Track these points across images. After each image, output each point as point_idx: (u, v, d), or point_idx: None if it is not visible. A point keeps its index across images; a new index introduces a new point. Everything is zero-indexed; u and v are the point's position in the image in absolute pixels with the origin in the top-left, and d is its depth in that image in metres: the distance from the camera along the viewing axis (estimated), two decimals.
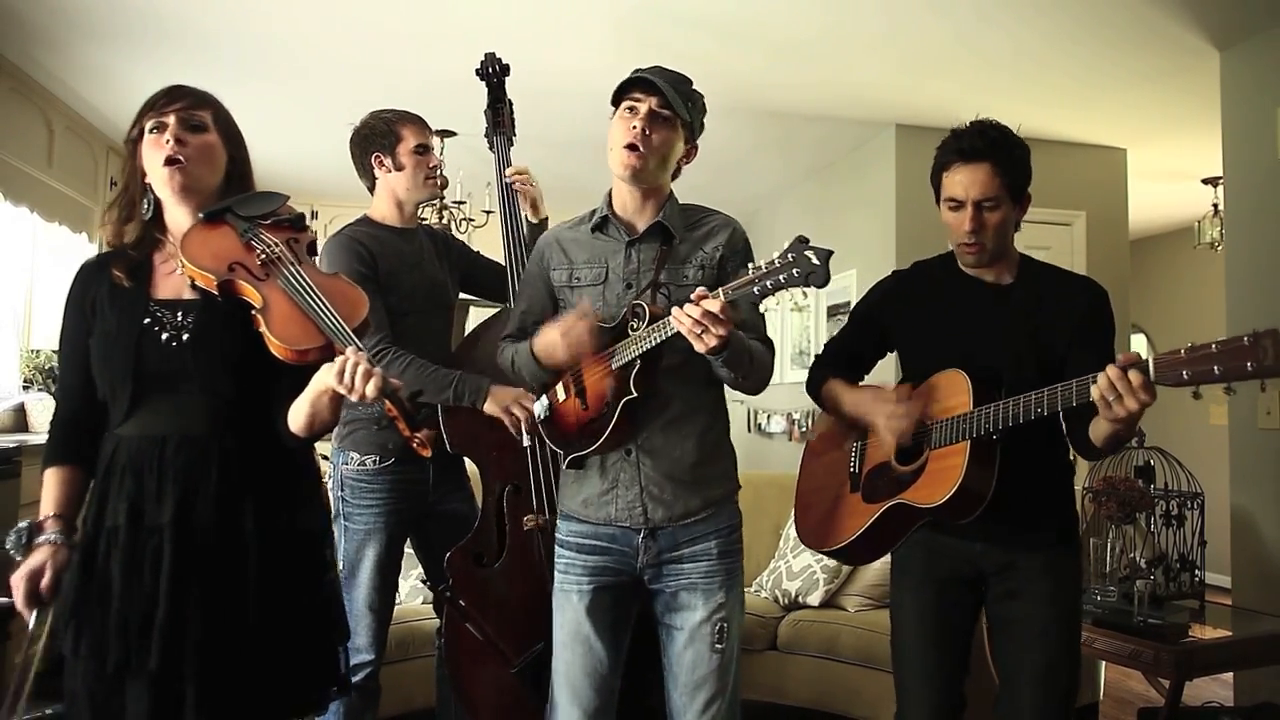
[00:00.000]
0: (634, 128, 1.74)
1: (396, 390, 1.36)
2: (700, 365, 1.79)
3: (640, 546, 1.77)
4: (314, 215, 5.84)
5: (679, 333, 1.61)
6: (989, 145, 1.80)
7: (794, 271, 1.51)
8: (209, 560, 1.44)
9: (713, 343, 1.56)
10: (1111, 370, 1.50)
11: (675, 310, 1.58)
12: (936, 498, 1.74)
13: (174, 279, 1.53)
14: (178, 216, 1.57)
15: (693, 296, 1.57)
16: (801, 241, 1.52)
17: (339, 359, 1.36)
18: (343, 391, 1.36)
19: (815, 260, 1.50)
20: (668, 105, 1.75)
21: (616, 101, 1.80)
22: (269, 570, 1.48)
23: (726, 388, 1.86)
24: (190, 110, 1.54)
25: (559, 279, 1.86)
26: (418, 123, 2.38)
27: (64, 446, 1.57)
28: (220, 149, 1.58)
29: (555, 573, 1.85)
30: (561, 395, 1.82)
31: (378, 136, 2.35)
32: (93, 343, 1.53)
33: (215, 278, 1.44)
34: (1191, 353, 1.43)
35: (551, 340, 1.74)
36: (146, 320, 1.51)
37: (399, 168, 2.34)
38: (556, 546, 1.86)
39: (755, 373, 1.77)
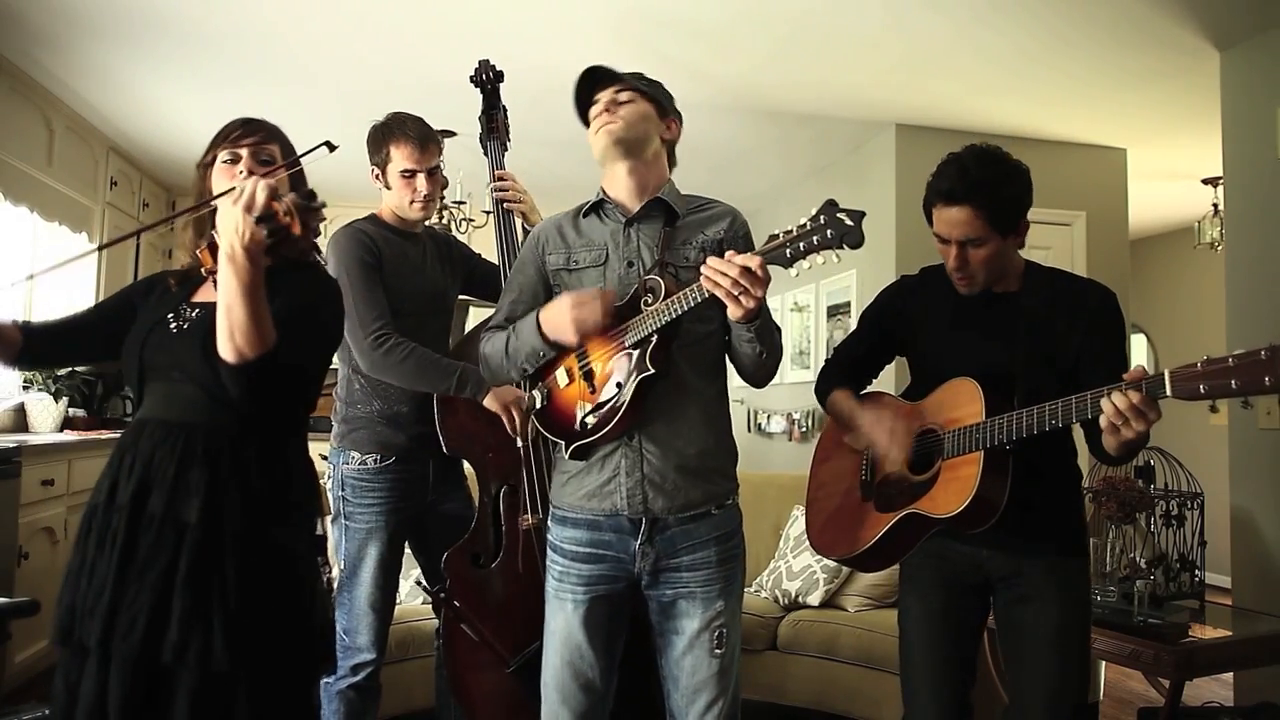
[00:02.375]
0: (602, 112, 1.75)
1: (284, 196, 1.38)
2: (707, 353, 1.76)
3: (637, 552, 1.73)
4: None
5: (698, 303, 1.58)
6: (969, 188, 1.75)
7: (828, 233, 1.49)
8: (152, 546, 1.45)
9: (751, 305, 1.53)
10: (1118, 398, 1.51)
11: (708, 269, 1.53)
12: (951, 508, 1.73)
13: (211, 287, 1.59)
14: None
15: (728, 254, 1.53)
16: (832, 204, 1.50)
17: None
18: (236, 204, 1.34)
19: (849, 221, 1.48)
20: (623, 88, 1.76)
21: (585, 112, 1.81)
22: (206, 570, 1.44)
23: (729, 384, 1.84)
24: (261, 145, 1.64)
25: (555, 263, 1.81)
26: (412, 143, 2.26)
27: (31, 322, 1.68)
28: (285, 183, 1.63)
29: (548, 577, 1.81)
30: (563, 381, 1.76)
31: (373, 147, 2.32)
32: (128, 333, 1.64)
33: (205, 242, 1.53)
34: (1208, 366, 1.42)
35: (561, 309, 1.68)
36: (169, 315, 1.60)
37: (389, 186, 2.32)
38: (550, 551, 1.82)
39: (775, 352, 1.74)
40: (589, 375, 1.73)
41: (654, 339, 1.65)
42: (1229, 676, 3.43)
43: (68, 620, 1.47)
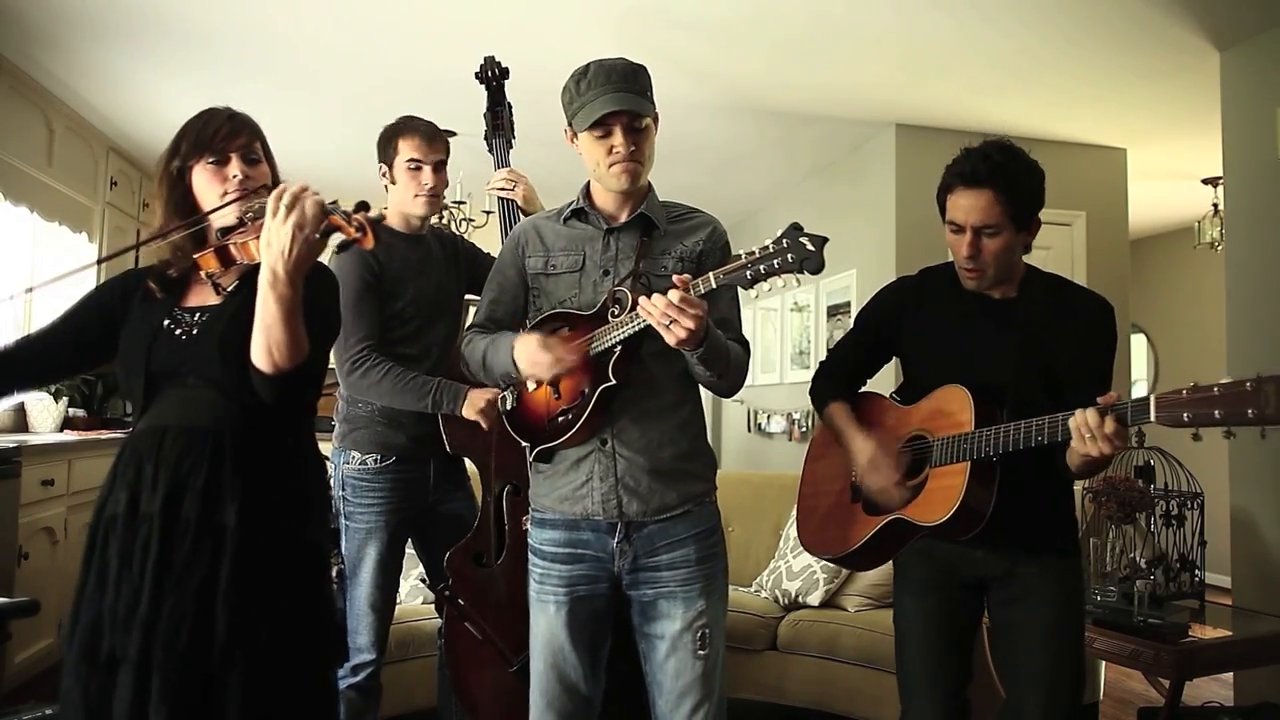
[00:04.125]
0: (616, 149, 1.69)
1: (335, 205, 1.35)
2: (680, 359, 1.76)
3: (616, 551, 1.74)
4: None
5: (646, 328, 1.59)
6: (991, 171, 1.76)
7: (788, 257, 1.49)
8: (190, 554, 1.44)
9: (682, 334, 1.53)
10: (1091, 415, 1.53)
11: (643, 300, 1.55)
12: (936, 516, 1.74)
13: (204, 289, 1.57)
14: None
15: (675, 281, 1.54)
16: (796, 228, 1.51)
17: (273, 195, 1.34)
18: (285, 224, 1.31)
19: (810, 246, 1.49)
20: (639, 115, 1.69)
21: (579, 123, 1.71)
22: (249, 573, 1.45)
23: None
24: (248, 145, 1.60)
25: (534, 266, 1.82)
26: (418, 135, 2.28)
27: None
28: (269, 178, 1.63)
29: (530, 581, 1.81)
30: (531, 385, 1.78)
31: (382, 145, 2.32)
32: (120, 343, 1.58)
33: (212, 249, 1.49)
34: (1193, 394, 1.43)
35: (530, 348, 1.68)
36: (167, 322, 1.56)
37: (395, 181, 2.32)
38: (530, 555, 1.82)
39: (731, 373, 1.73)
40: (555, 382, 1.75)
41: (617, 350, 1.66)
42: (1229, 676, 3.44)
43: (92, 635, 1.44)
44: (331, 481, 2.36)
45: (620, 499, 1.73)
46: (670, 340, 1.56)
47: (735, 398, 6.26)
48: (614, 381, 1.66)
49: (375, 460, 2.29)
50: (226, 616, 1.42)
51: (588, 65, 1.71)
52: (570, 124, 1.74)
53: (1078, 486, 3.31)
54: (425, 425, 2.29)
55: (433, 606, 2.55)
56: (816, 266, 1.49)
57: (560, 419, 1.72)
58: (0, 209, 3.91)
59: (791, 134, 4.69)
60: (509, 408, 1.83)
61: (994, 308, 1.88)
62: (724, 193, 5.82)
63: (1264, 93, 3.38)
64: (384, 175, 2.35)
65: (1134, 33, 3.39)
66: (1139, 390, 6.25)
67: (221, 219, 1.55)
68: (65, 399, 4.45)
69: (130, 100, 4.29)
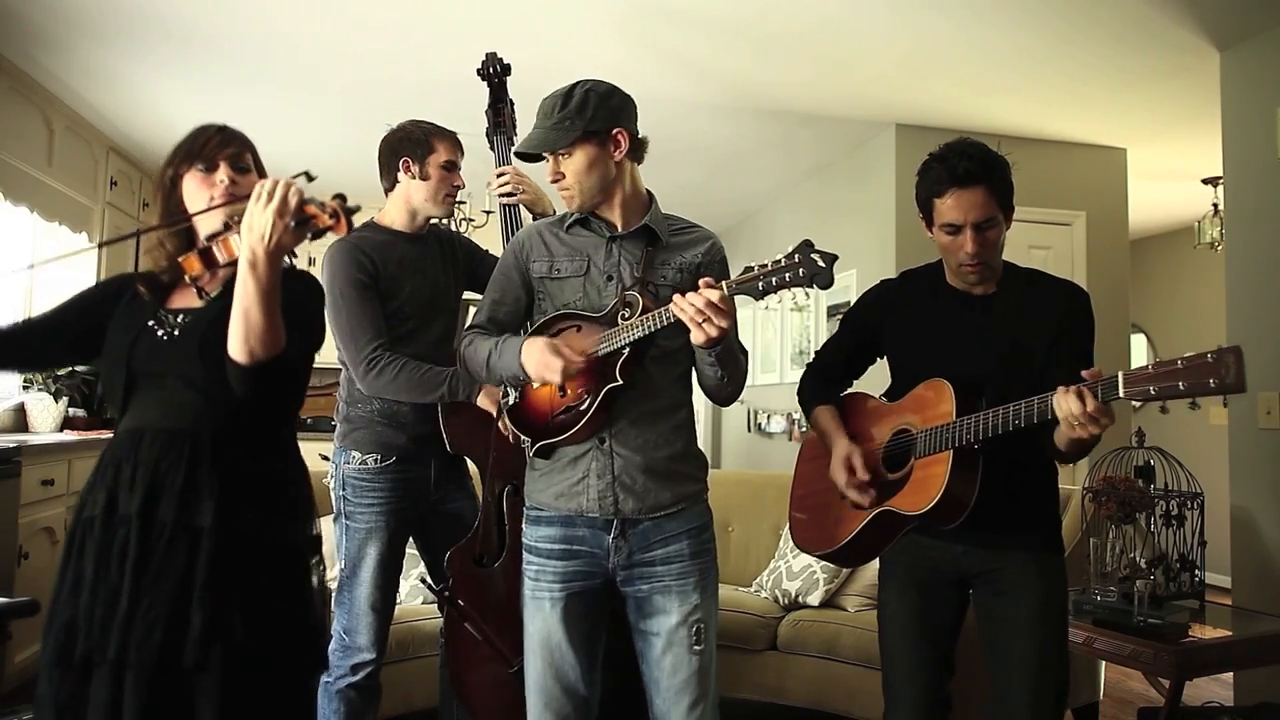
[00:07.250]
0: (549, 177, 1.80)
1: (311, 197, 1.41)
2: (676, 362, 1.81)
3: (611, 547, 1.77)
4: None
5: (669, 325, 1.62)
6: (981, 167, 1.81)
7: (800, 271, 1.55)
8: (166, 555, 1.45)
9: (714, 333, 1.58)
10: (1072, 402, 1.56)
11: (678, 297, 1.59)
12: (920, 505, 1.78)
13: (189, 293, 1.61)
14: None
15: (700, 284, 1.58)
16: (808, 244, 1.56)
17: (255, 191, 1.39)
18: (265, 209, 1.37)
19: (821, 263, 1.54)
20: (543, 153, 1.77)
21: None
22: (225, 574, 1.46)
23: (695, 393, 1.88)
24: (237, 155, 1.64)
25: (539, 270, 1.86)
26: (452, 140, 2.37)
27: None
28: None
29: (524, 579, 1.83)
30: (537, 382, 1.79)
31: (412, 143, 2.34)
32: (106, 341, 1.61)
33: (195, 251, 1.52)
34: (1158, 369, 1.49)
35: (538, 352, 1.69)
36: (150, 322, 1.58)
37: (424, 178, 2.34)
38: (525, 553, 1.84)
39: (738, 376, 1.79)
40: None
41: (625, 352, 1.69)
42: (1229, 676, 3.44)
43: (66, 637, 1.45)
44: (332, 482, 2.36)
45: (616, 496, 1.76)
46: (699, 338, 1.60)
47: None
48: (620, 382, 1.69)
49: (376, 460, 2.29)
50: (201, 618, 1.42)
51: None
52: None
53: (1078, 486, 3.32)
54: (426, 425, 2.29)
55: (434, 606, 2.56)
56: (826, 282, 1.55)
57: (563, 416, 1.75)
58: (0, 209, 3.91)
59: (791, 134, 4.69)
60: (511, 403, 1.85)
61: (975, 303, 1.93)
62: (723, 192, 5.82)
63: (1264, 93, 3.38)
64: (406, 170, 2.34)
65: (1134, 33, 3.39)
66: None
67: (209, 227, 1.57)
68: (65, 399, 4.45)
69: (130, 100, 4.29)
